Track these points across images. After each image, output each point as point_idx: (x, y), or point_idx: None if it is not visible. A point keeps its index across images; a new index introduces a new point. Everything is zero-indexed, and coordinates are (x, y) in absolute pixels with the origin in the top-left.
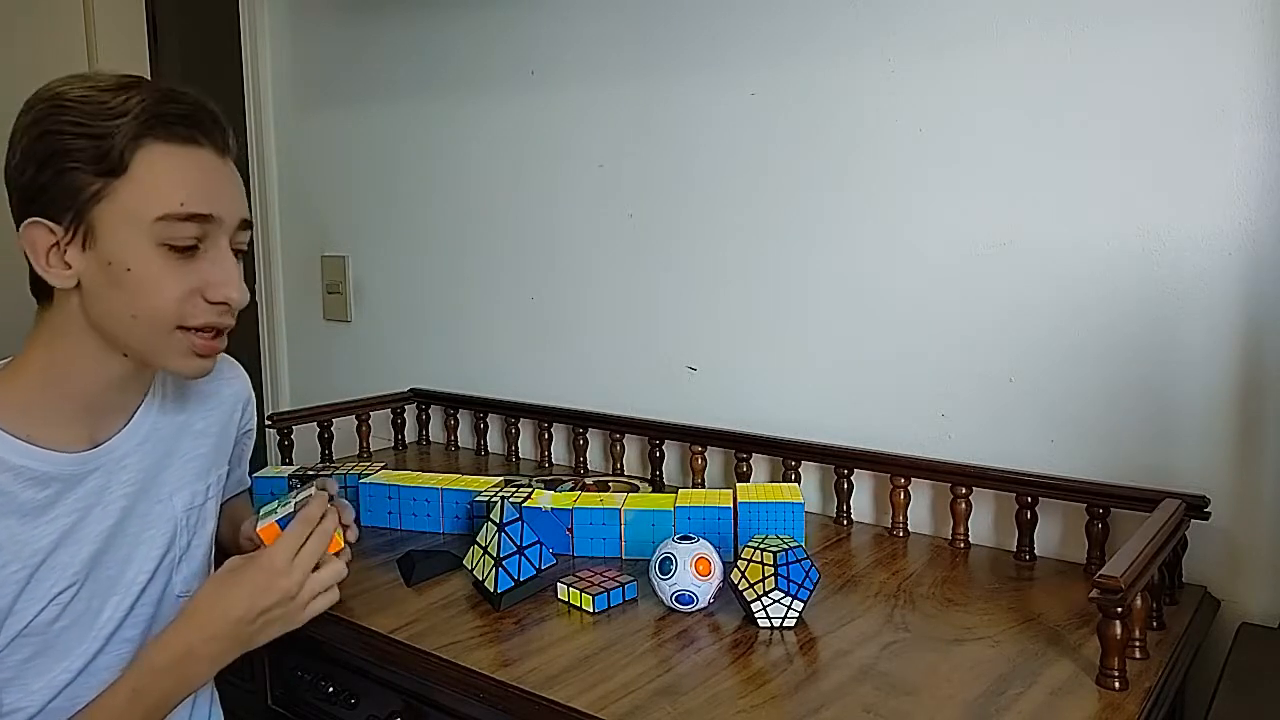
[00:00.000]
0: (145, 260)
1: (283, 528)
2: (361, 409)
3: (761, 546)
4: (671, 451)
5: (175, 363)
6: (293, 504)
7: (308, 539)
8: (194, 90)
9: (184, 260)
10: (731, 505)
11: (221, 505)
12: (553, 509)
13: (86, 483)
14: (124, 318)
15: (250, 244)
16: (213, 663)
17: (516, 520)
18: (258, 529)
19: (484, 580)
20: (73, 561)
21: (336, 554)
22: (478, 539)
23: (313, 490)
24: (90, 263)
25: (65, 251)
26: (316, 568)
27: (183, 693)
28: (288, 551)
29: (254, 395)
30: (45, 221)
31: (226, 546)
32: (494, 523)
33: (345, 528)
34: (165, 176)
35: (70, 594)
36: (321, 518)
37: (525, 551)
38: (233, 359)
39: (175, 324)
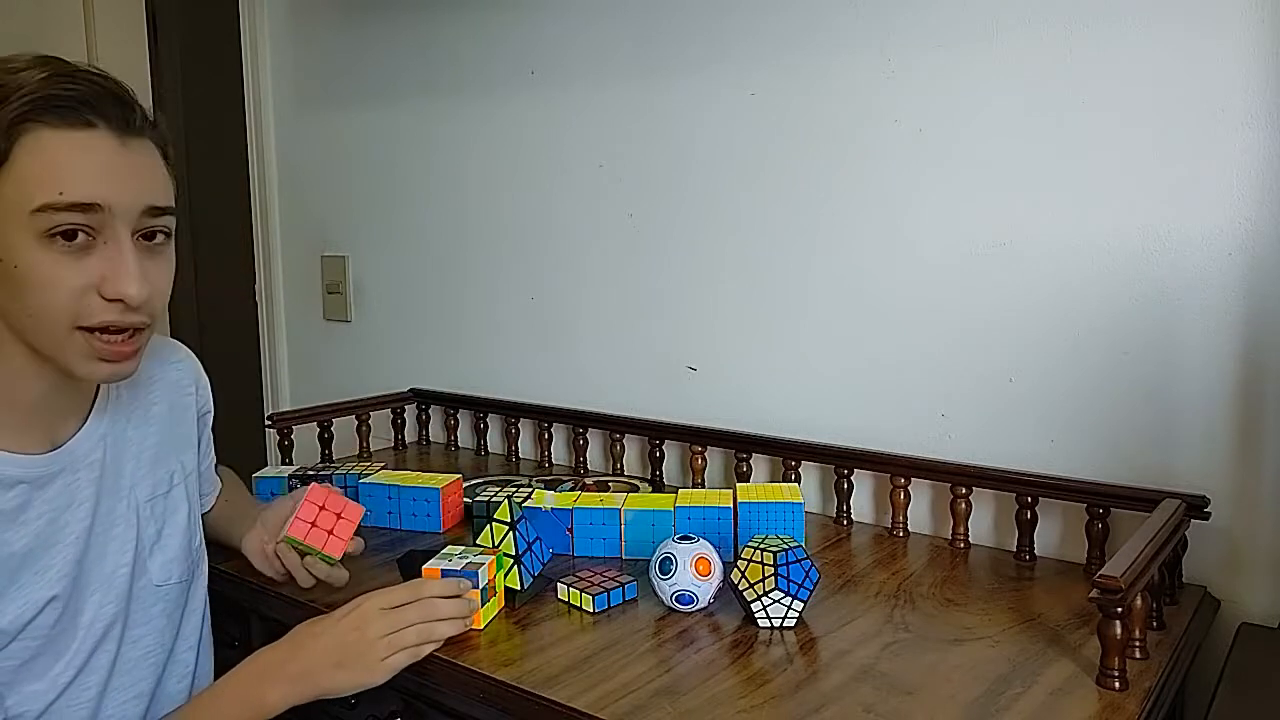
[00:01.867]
0: (31, 255)
1: (445, 577)
2: (361, 409)
3: (761, 546)
4: (671, 451)
5: (80, 367)
6: (466, 560)
7: (411, 603)
8: (97, 69)
9: (76, 254)
10: (731, 505)
11: (215, 505)
12: (553, 509)
13: (53, 484)
14: (22, 317)
15: (250, 243)
16: (290, 687)
17: (522, 519)
18: (424, 568)
19: (504, 581)
20: (57, 564)
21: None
22: (479, 541)
23: (486, 561)
24: None
25: None
26: None
27: (260, 713)
28: (384, 602)
29: (205, 379)
30: None
31: (232, 544)
32: (504, 522)
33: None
34: (46, 164)
35: (62, 599)
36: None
37: (533, 547)
38: (177, 343)
39: (72, 324)
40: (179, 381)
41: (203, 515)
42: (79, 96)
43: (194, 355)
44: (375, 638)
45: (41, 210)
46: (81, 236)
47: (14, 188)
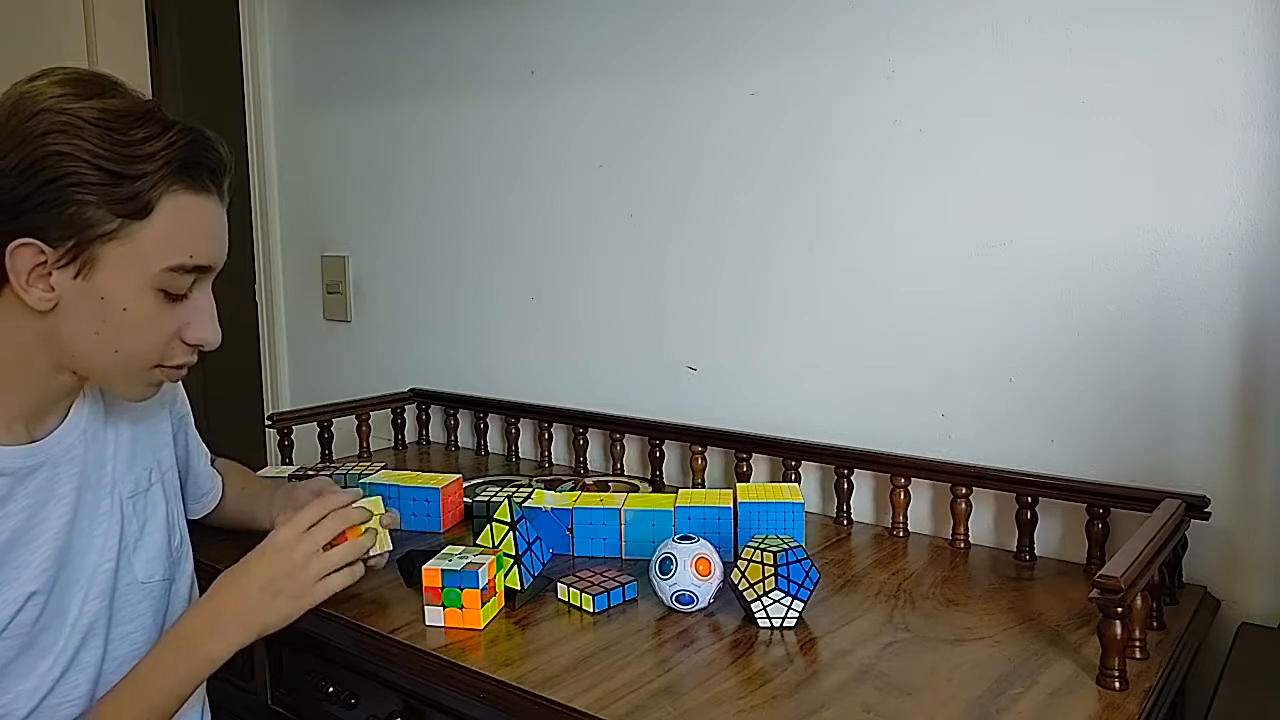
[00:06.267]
0: (142, 303)
1: (445, 578)
2: (361, 409)
3: (761, 546)
4: (671, 451)
5: (133, 392)
6: (466, 560)
7: (324, 518)
8: (214, 133)
9: (174, 305)
10: (731, 505)
11: (222, 504)
12: (553, 509)
13: (35, 477)
14: (105, 351)
15: (250, 243)
16: (230, 637)
17: (522, 519)
18: (424, 568)
19: (504, 581)
20: (37, 559)
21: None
22: (479, 541)
23: (486, 561)
24: (80, 292)
25: (51, 274)
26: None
27: (196, 675)
28: (297, 526)
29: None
30: (37, 243)
31: (264, 529)
32: (504, 522)
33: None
34: (183, 228)
35: (44, 593)
36: (350, 507)
37: (533, 547)
38: None
39: (155, 363)
40: None
41: (219, 506)
42: (211, 165)
43: None
44: (303, 561)
45: (171, 270)
46: (187, 293)
47: (151, 242)
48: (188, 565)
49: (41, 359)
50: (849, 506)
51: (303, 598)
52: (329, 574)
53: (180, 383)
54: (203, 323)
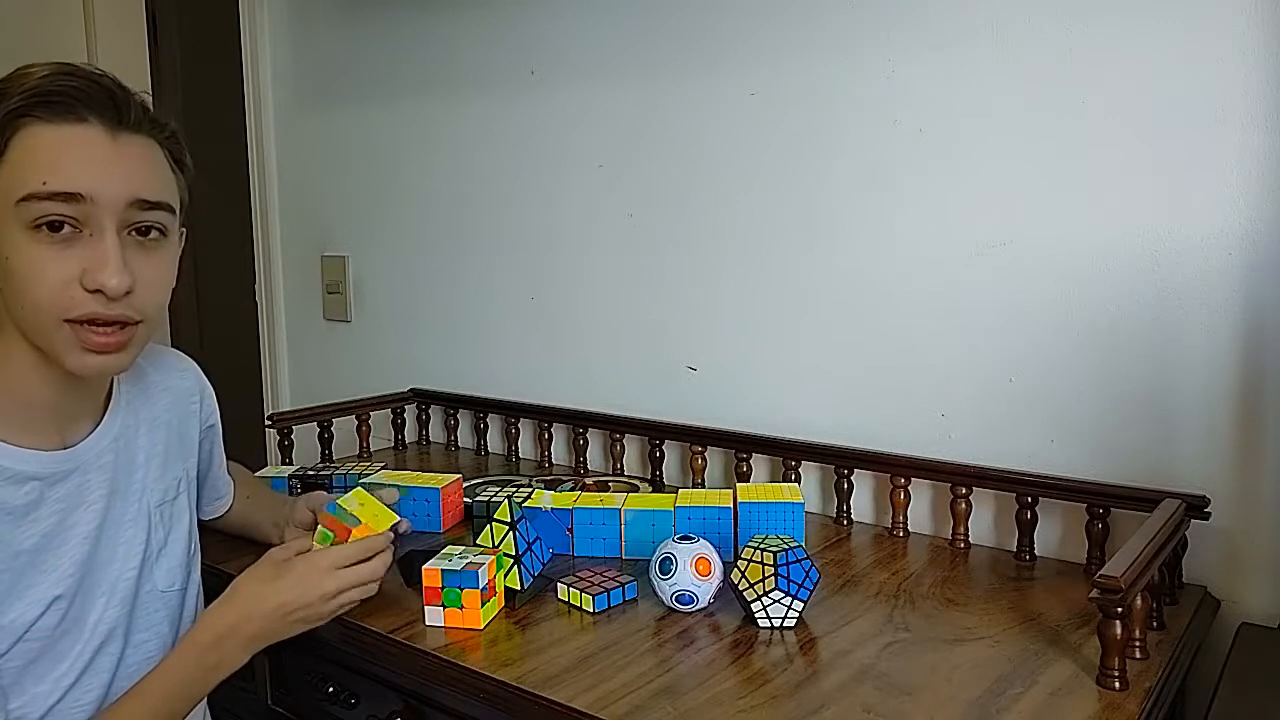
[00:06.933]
0: (19, 247)
1: (445, 578)
2: (361, 409)
3: (761, 546)
4: (671, 451)
5: (69, 359)
6: (466, 560)
7: (360, 564)
8: (102, 69)
9: (61, 246)
10: (731, 505)
11: (230, 509)
12: (553, 509)
13: (65, 483)
14: (19, 311)
15: (250, 243)
16: (247, 648)
17: (522, 519)
18: (424, 568)
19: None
20: (64, 564)
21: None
22: (479, 541)
23: (486, 561)
24: None
25: None
26: None
27: (219, 674)
28: (339, 560)
29: (209, 388)
30: None
31: (268, 540)
32: (504, 522)
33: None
34: (34, 156)
35: (67, 598)
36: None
37: (533, 547)
38: (180, 353)
39: (59, 316)
40: (186, 390)
41: (226, 514)
42: (72, 92)
43: (197, 365)
44: (331, 594)
45: (26, 200)
46: (67, 228)
47: (6, 180)
48: (197, 573)
49: (15, 345)
50: (849, 506)
51: (318, 620)
52: (344, 595)
53: (212, 393)
54: (99, 265)
